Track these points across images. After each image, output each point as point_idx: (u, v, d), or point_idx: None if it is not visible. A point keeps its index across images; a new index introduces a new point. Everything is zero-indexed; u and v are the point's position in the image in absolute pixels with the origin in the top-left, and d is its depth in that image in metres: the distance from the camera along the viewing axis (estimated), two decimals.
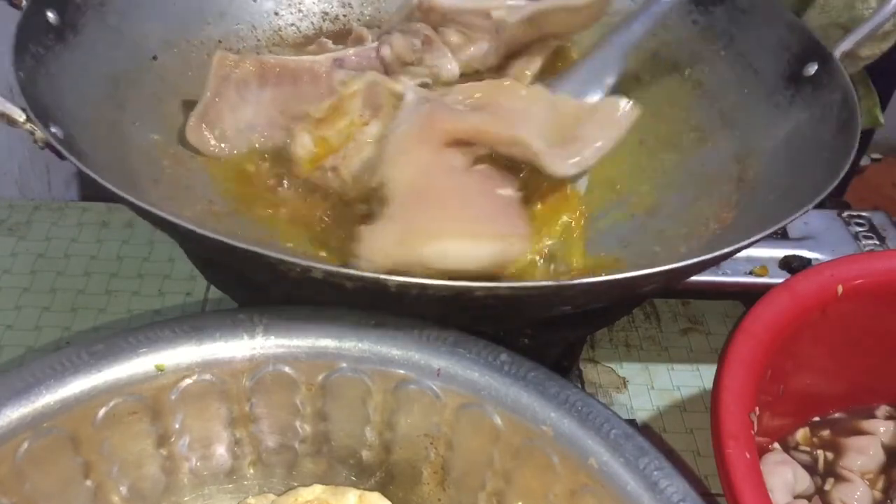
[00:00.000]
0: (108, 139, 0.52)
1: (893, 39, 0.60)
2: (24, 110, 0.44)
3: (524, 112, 0.45)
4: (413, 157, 0.43)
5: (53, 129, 0.45)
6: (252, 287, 0.52)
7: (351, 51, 0.57)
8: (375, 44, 0.58)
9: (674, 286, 0.48)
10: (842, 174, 0.47)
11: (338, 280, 0.39)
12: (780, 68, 0.58)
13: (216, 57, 0.55)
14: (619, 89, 0.66)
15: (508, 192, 0.43)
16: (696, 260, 0.41)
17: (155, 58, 0.59)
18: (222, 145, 0.55)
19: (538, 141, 0.43)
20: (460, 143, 0.44)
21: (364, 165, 0.47)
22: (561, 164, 0.44)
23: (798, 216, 0.45)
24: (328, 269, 0.38)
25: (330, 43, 0.61)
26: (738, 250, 0.43)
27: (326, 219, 0.50)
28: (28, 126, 0.44)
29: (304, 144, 0.50)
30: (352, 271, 0.39)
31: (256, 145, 0.55)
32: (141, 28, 0.59)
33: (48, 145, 0.44)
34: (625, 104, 0.48)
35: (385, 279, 0.38)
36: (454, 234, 0.41)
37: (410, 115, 0.46)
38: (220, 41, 0.64)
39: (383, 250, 0.40)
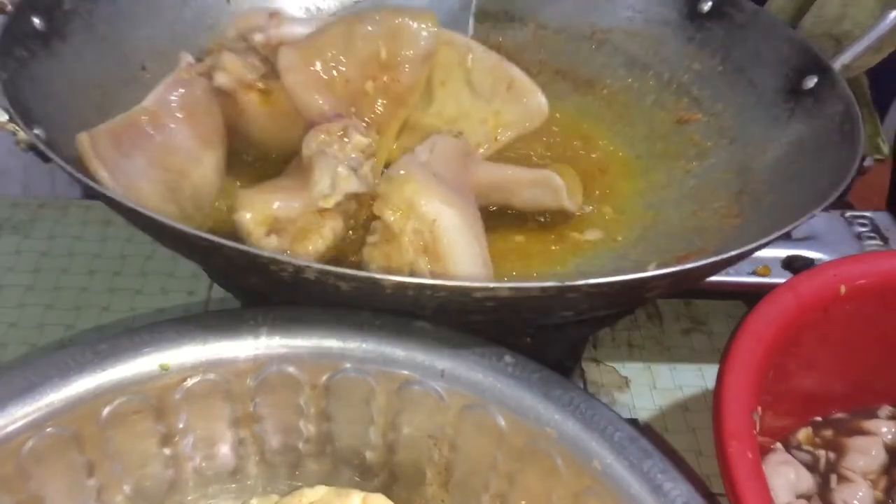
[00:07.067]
0: None
1: (886, 52, 0.60)
2: (6, 111, 0.44)
3: None
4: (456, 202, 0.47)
5: (37, 131, 0.45)
6: (255, 286, 0.52)
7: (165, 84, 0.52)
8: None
9: (677, 289, 0.49)
10: (848, 180, 0.47)
11: (332, 281, 0.39)
12: (778, 82, 0.58)
13: None
14: (617, 98, 0.66)
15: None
16: (706, 262, 0.42)
17: (144, 68, 0.59)
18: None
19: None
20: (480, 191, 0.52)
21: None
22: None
23: (802, 222, 0.45)
24: (322, 269, 0.38)
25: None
26: (749, 253, 0.44)
27: None
28: (10, 127, 0.44)
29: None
30: (347, 271, 0.39)
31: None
32: (130, 37, 0.59)
33: (31, 147, 0.44)
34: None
35: (380, 279, 0.38)
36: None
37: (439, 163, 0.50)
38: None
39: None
